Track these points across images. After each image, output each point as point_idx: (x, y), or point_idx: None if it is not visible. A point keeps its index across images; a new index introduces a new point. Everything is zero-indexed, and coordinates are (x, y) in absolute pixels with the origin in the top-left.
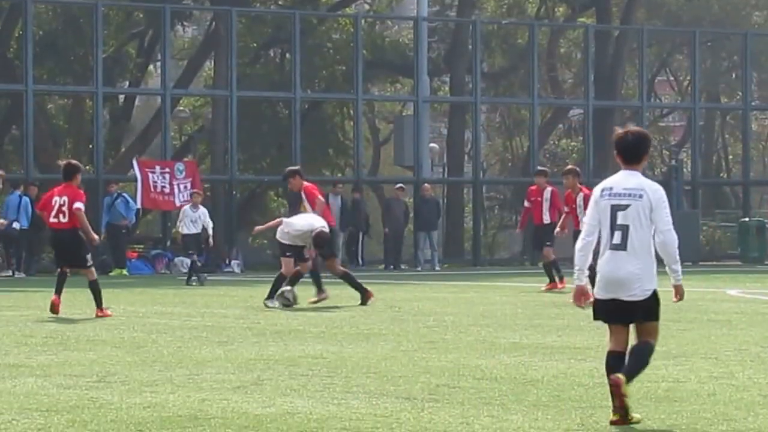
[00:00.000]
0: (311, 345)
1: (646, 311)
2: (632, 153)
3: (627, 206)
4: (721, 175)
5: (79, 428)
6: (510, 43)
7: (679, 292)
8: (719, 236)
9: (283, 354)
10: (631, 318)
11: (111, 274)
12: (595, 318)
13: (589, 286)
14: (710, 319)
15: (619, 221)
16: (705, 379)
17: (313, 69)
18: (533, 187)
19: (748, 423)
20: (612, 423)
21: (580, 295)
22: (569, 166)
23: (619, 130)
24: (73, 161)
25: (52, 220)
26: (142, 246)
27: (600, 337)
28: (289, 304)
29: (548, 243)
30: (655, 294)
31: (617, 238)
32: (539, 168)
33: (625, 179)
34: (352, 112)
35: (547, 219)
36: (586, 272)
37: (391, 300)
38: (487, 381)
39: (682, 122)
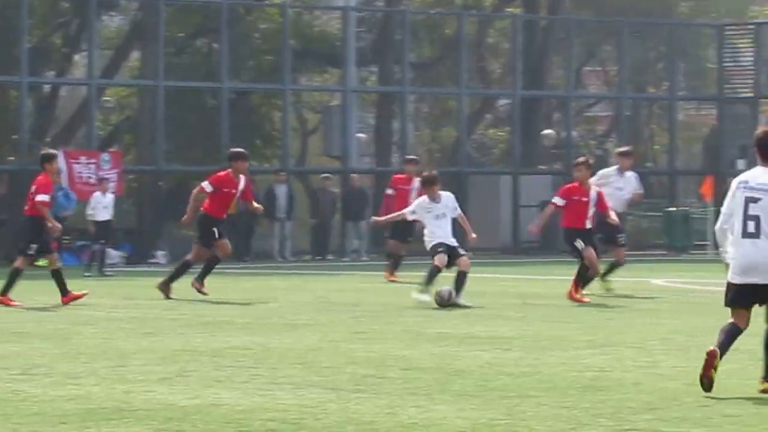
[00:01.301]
0: (237, 336)
1: None
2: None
3: (759, 199)
4: (648, 164)
5: (2, 421)
6: (438, 33)
7: None
8: (645, 226)
9: (209, 345)
10: (763, 301)
11: (38, 264)
12: (727, 303)
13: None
14: (636, 309)
15: (751, 212)
16: (630, 368)
17: (241, 59)
18: (401, 176)
19: (673, 412)
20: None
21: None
22: (582, 158)
23: (760, 130)
24: (47, 149)
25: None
26: (68, 238)
27: (526, 326)
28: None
29: (410, 239)
30: None
31: (751, 227)
32: (410, 157)
33: (760, 174)
34: (280, 102)
35: None
36: (729, 250)
37: (318, 290)
38: (414, 371)
39: (609, 112)
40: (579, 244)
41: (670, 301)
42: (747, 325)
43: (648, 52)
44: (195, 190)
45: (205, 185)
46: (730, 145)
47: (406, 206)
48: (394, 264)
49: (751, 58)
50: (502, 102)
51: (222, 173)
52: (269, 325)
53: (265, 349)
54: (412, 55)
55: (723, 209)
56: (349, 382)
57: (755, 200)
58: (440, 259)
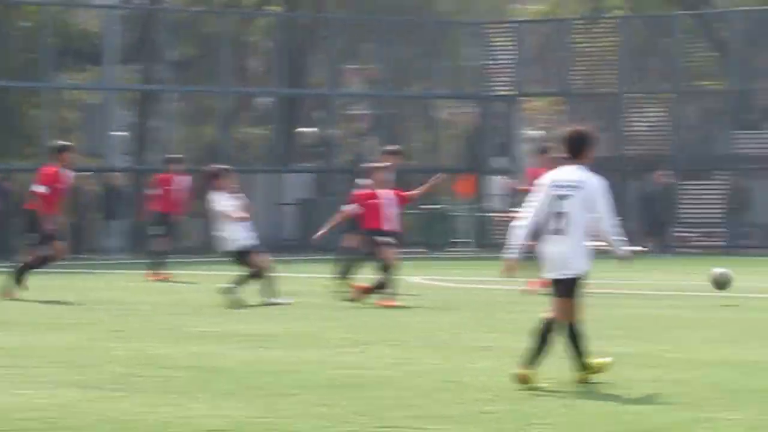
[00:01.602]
0: None
1: (571, 289)
2: (574, 149)
3: (568, 196)
4: (409, 162)
5: None
6: (199, 31)
7: (626, 258)
8: (405, 223)
9: None
10: (563, 293)
11: None
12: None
13: (517, 262)
14: (394, 306)
15: (560, 209)
16: (388, 365)
17: (0, 57)
18: (165, 175)
19: (428, 408)
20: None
21: (508, 269)
22: (380, 164)
23: (565, 129)
24: None
25: None
26: None
27: (286, 324)
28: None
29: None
30: (583, 275)
31: (558, 223)
32: (174, 156)
33: (569, 172)
34: (39, 100)
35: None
36: (517, 249)
37: (77, 289)
38: (173, 369)
39: (369, 110)
40: (384, 240)
41: (428, 299)
42: (580, 313)
43: (408, 51)
44: (36, 203)
45: (41, 189)
46: (489, 143)
47: (171, 205)
48: (158, 262)
49: (512, 57)
50: (263, 100)
51: (51, 170)
52: (28, 324)
53: (24, 347)
54: (173, 53)
55: (531, 205)
56: (107, 381)
57: (564, 197)
58: (264, 259)
